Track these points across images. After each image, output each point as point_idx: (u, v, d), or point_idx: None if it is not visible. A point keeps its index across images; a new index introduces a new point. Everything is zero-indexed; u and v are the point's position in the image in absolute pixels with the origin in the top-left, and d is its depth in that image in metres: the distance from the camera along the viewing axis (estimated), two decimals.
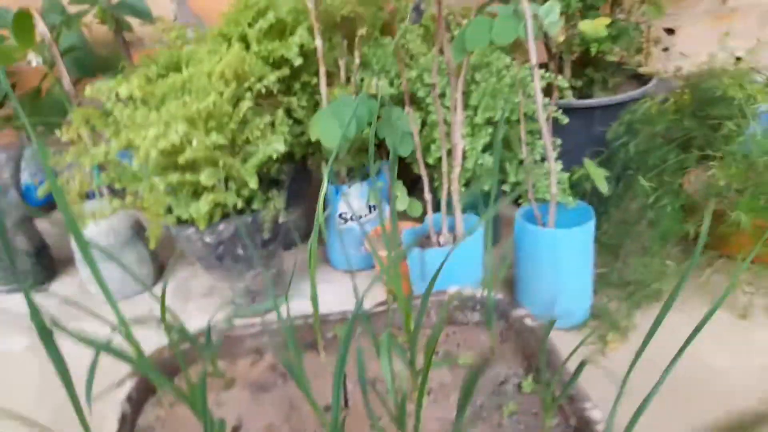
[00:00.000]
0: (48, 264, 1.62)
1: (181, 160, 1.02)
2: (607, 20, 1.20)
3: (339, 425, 0.65)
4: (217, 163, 1.07)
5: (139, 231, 1.48)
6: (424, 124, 1.22)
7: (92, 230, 1.39)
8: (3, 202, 1.53)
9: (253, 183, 1.09)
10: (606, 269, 1.21)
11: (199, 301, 1.46)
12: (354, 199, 1.36)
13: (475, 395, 0.82)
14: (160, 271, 1.58)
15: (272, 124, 1.13)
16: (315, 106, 1.29)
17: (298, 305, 1.30)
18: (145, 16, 1.55)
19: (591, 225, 1.08)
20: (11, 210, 1.54)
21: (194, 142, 0.99)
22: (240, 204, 1.15)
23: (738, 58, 1.46)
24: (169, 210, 1.14)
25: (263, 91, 1.15)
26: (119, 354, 0.67)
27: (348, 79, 1.28)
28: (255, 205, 1.18)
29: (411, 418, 0.73)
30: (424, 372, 0.66)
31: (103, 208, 1.16)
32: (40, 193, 1.44)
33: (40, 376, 1.26)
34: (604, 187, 1.08)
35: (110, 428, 0.78)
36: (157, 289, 1.50)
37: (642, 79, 1.50)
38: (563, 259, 1.09)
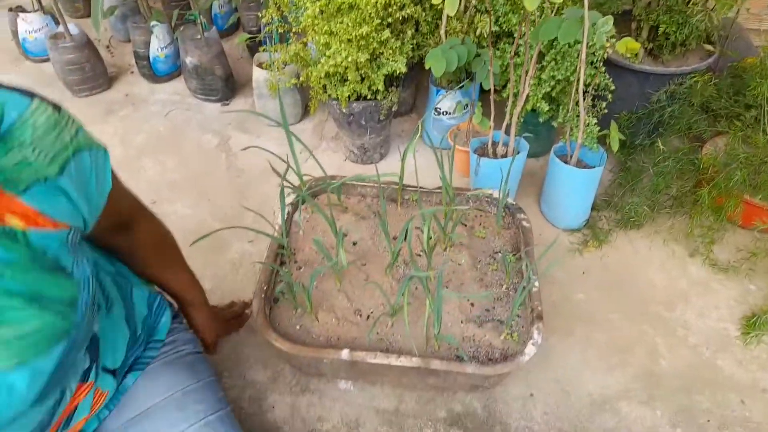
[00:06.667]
0: (232, 87, 2.28)
1: (337, 67, 1.57)
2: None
3: (395, 252, 1.28)
4: (360, 68, 1.61)
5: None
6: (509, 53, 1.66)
7: (265, 75, 2.00)
8: (208, 38, 2.15)
9: (381, 86, 1.64)
10: (607, 198, 1.70)
11: (329, 141, 2.09)
12: (447, 100, 1.87)
13: (477, 254, 1.42)
14: (305, 112, 2.20)
15: (401, 46, 1.63)
16: (435, 28, 1.76)
17: (393, 160, 1.95)
18: None
19: (600, 170, 1.56)
20: (213, 44, 2.16)
21: (348, 58, 1.53)
22: (369, 93, 1.70)
23: None
24: (324, 89, 1.72)
25: (402, 17, 1.63)
26: (290, 184, 1.33)
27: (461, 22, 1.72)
28: (378, 96, 1.73)
29: (438, 257, 1.36)
30: (453, 230, 1.27)
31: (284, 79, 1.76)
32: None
33: (226, 169, 1.97)
34: (615, 147, 1.52)
35: (274, 218, 1.45)
36: (301, 125, 2.15)
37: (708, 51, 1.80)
38: (576, 188, 1.60)
